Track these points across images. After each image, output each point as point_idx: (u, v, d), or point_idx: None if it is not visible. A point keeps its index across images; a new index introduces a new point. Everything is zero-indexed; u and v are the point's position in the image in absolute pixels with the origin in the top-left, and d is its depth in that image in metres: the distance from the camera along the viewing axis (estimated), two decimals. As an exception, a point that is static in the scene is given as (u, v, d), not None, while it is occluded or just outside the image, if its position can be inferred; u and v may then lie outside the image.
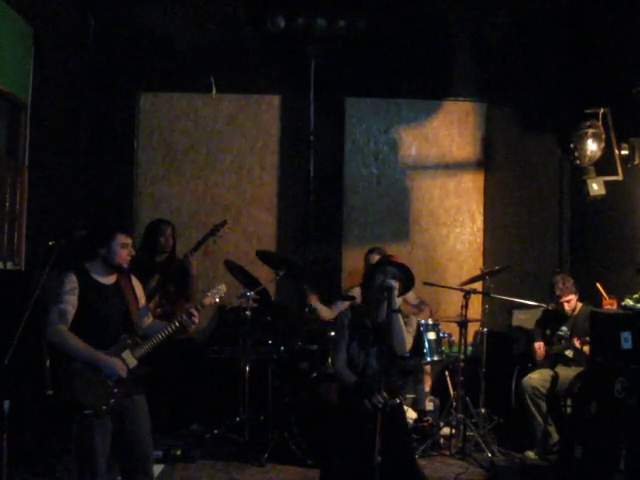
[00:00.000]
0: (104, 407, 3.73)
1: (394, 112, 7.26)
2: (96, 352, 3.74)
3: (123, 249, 3.92)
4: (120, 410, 3.81)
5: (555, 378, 5.65)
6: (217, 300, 4.15)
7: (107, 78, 6.81)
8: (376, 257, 6.03)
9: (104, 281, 3.92)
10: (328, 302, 6.16)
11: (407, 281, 4.09)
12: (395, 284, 3.89)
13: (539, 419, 5.63)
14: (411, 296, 6.38)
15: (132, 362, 3.84)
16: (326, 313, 6.03)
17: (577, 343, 5.46)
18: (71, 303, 3.76)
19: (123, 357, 3.83)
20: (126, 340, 3.87)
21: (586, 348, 5.38)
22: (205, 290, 4.17)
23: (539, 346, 5.85)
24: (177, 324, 3.95)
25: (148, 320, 4.12)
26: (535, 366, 5.86)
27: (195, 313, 3.96)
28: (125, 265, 3.95)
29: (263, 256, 6.06)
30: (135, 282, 4.11)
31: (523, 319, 6.49)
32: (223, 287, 4.15)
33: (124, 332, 3.88)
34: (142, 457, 3.90)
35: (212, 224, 5.97)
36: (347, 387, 3.96)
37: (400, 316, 3.91)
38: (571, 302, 5.75)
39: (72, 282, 3.79)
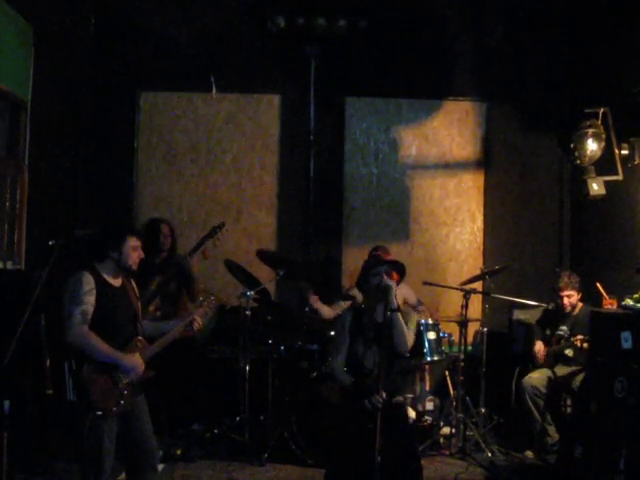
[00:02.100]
0: (114, 408, 3.76)
1: (394, 112, 7.26)
2: (117, 353, 3.78)
3: (134, 252, 3.94)
4: (126, 411, 3.84)
5: (556, 378, 5.65)
6: (208, 310, 4.21)
7: (107, 78, 6.80)
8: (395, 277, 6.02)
9: (114, 283, 3.94)
10: (329, 302, 6.17)
11: (401, 273, 4.12)
12: (392, 283, 3.89)
13: (539, 419, 5.63)
14: (411, 297, 6.39)
15: (142, 365, 3.88)
16: (327, 312, 6.05)
17: (578, 341, 5.44)
18: (91, 303, 3.76)
19: (141, 362, 3.87)
20: (137, 343, 3.91)
21: (587, 346, 5.37)
22: (201, 300, 4.22)
23: (539, 349, 5.84)
24: (183, 329, 4.01)
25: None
26: (535, 366, 5.86)
27: (198, 319, 4.06)
28: (135, 267, 3.97)
29: (263, 256, 6.06)
30: (134, 284, 4.14)
31: (523, 319, 6.49)
32: (213, 300, 4.21)
33: (134, 334, 3.92)
34: (148, 453, 3.95)
35: (211, 225, 5.95)
36: (344, 388, 3.96)
37: (400, 315, 3.91)
38: (571, 298, 5.74)
39: (90, 283, 3.79)
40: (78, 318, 3.71)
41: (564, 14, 7.05)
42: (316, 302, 6.09)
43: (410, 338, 3.98)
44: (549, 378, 5.67)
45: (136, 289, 4.13)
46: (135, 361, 3.82)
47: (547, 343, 5.86)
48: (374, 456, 3.58)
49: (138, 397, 3.94)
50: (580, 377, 5.40)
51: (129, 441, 3.88)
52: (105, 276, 3.89)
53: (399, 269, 4.11)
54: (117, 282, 3.95)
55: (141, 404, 3.96)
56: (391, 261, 4.15)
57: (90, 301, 3.76)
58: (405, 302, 6.25)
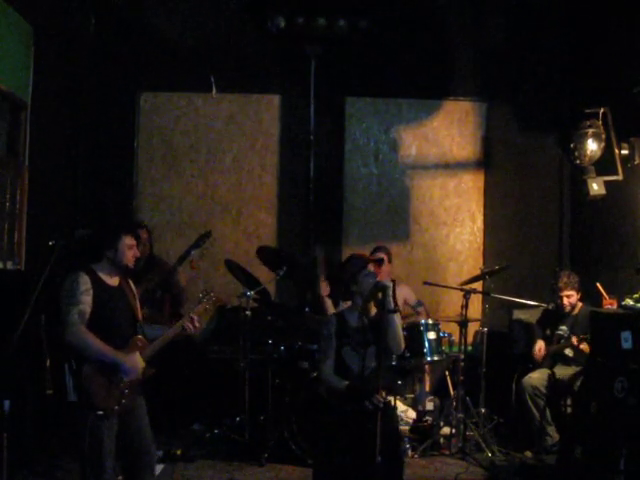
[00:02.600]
0: (116, 407, 3.76)
1: (394, 112, 7.26)
2: (116, 352, 3.77)
3: (129, 250, 3.95)
4: (125, 411, 3.85)
5: (556, 378, 5.65)
6: (207, 307, 4.25)
7: (107, 78, 6.80)
8: (380, 256, 6.03)
9: (111, 282, 3.95)
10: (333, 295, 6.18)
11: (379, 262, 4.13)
12: (389, 283, 3.87)
13: (538, 418, 5.63)
14: (411, 297, 6.39)
15: (142, 364, 3.88)
16: (331, 309, 6.05)
17: (575, 341, 5.45)
18: (88, 303, 3.77)
19: (139, 361, 3.87)
20: (136, 342, 3.91)
21: (584, 347, 5.38)
22: (200, 297, 4.25)
23: (539, 348, 5.84)
24: (180, 327, 4.01)
25: None
26: (536, 366, 5.86)
27: (196, 318, 4.05)
28: (131, 265, 3.98)
29: (263, 254, 6.06)
30: (132, 284, 4.14)
31: (523, 319, 6.50)
32: (213, 297, 4.25)
33: (133, 333, 3.92)
34: (146, 454, 3.94)
35: (206, 229, 5.91)
36: (338, 392, 3.93)
37: (396, 316, 3.89)
38: (571, 298, 5.75)
39: (86, 283, 3.79)
40: (75, 318, 3.71)
41: (564, 14, 7.05)
42: (324, 290, 6.09)
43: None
44: (549, 378, 5.67)
45: (134, 289, 4.13)
46: (134, 361, 3.82)
47: (547, 343, 5.86)
48: (374, 456, 3.57)
49: (138, 396, 3.94)
50: (580, 378, 5.41)
51: (127, 441, 3.87)
52: (102, 276, 3.90)
53: (379, 262, 4.11)
54: (114, 282, 3.96)
55: (140, 404, 3.96)
56: (372, 259, 4.14)
57: (87, 301, 3.77)
58: (405, 303, 6.26)
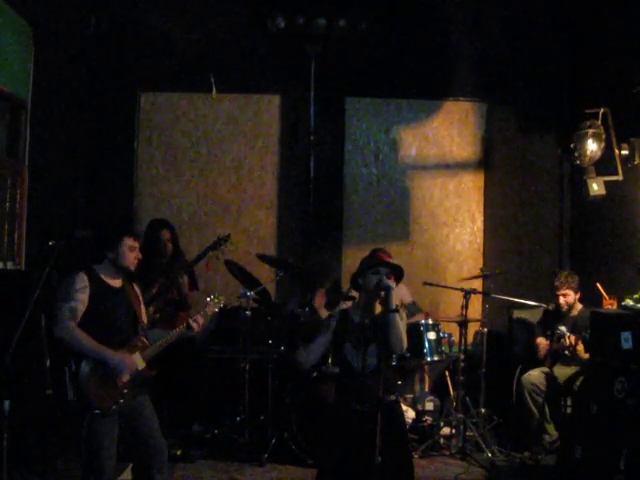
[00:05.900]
0: (114, 407, 3.76)
1: (394, 112, 7.26)
2: (105, 349, 3.76)
3: (131, 252, 3.95)
4: (129, 411, 3.86)
5: (555, 377, 5.65)
6: (217, 310, 4.27)
7: (107, 78, 6.80)
8: (394, 262, 6.01)
9: (112, 284, 3.96)
10: (329, 303, 6.16)
11: (398, 275, 4.10)
12: (392, 284, 3.87)
13: (537, 416, 5.64)
14: (407, 297, 6.39)
15: (142, 364, 3.88)
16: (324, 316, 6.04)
17: (572, 340, 5.44)
18: (82, 301, 3.78)
19: (133, 359, 3.87)
20: (136, 342, 3.91)
21: (580, 348, 5.37)
22: (208, 299, 4.27)
23: (540, 341, 5.84)
24: (184, 328, 4.03)
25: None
26: (536, 365, 5.85)
27: (200, 320, 4.07)
28: (133, 268, 3.98)
29: (264, 259, 6.06)
30: (137, 288, 4.15)
31: (523, 319, 6.49)
32: (221, 298, 4.27)
33: (133, 334, 3.92)
34: (159, 454, 3.96)
35: (213, 231, 5.90)
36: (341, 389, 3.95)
37: (398, 315, 3.89)
38: (568, 297, 5.74)
39: (83, 281, 3.81)
40: (65, 314, 3.73)
41: (564, 14, 7.04)
42: (320, 302, 6.08)
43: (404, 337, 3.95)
44: (548, 376, 5.66)
45: (139, 292, 4.14)
46: (124, 358, 3.80)
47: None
48: (373, 456, 3.57)
49: (142, 397, 3.94)
50: (580, 378, 5.41)
51: (138, 443, 3.89)
52: (103, 277, 3.91)
53: (398, 274, 4.09)
54: (116, 283, 3.97)
55: (146, 403, 3.97)
56: (392, 264, 4.12)
57: (80, 299, 3.77)
58: (401, 304, 6.24)
